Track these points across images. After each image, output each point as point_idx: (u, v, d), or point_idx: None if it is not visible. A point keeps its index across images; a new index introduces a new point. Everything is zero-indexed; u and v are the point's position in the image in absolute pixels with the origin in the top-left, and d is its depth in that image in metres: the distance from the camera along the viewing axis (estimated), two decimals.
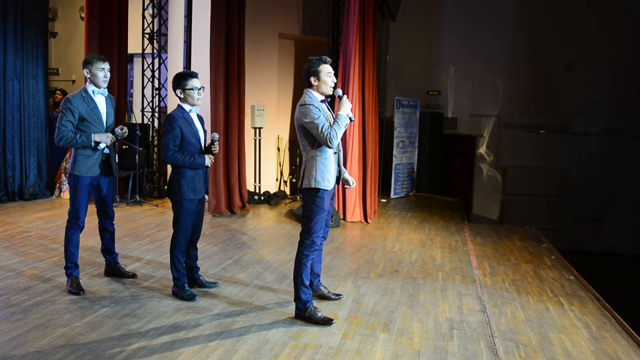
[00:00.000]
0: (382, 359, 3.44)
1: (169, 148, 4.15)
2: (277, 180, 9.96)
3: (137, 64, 10.06)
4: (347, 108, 3.96)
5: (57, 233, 6.35)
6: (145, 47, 9.45)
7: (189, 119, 4.25)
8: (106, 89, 4.48)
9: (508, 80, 12.02)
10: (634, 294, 8.66)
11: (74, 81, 10.54)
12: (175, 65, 9.11)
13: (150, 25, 9.45)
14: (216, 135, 4.36)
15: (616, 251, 11.39)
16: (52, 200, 8.62)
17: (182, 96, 4.25)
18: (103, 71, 4.37)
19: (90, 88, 4.38)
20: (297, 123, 3.99)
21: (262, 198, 9.02)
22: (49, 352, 3.30)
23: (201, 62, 8.19)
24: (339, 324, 3.96)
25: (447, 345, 3.67)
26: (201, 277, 4.65)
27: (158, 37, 9.50)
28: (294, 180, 9.83)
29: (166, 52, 9.47)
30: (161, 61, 9.58)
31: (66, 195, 8.71)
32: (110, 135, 4.39)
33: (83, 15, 9.25)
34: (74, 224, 4.38)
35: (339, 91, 4.11)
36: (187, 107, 4.27)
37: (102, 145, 4.36)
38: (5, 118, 8.25)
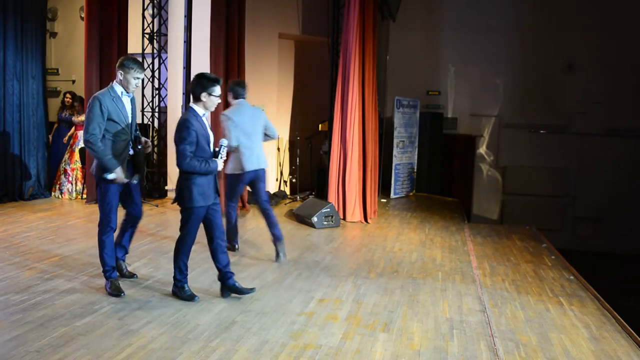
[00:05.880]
0: (382, 359, 3.44)
1: (186, 155, 4.02)
2: (277, 180, 9.96)
3: None
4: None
5: (57, 233, 6.36)
6: (145, 47, 9.44)
7: (202, 123, 4.15)
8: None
9: (508, 80, 12.00)
10: (634, 294, 8.66)
11: (74, 81, 10.52)
12: (175, 65, 9.11)
13: (150, 25, 9.45)
14: (225, 142, 4.26)
15: (616, 251, 11.38)
16: (52, 200, 8.62)
17: (205, 100, 4.12)
18: (137, 80, 4.34)
19: (119, 89, 4.31)
20: None
21: None
22: (49, 352, 3.30)
23: (201, 62, 8.18)
24: (339, 324, 3.95)
25: (447, 345, 3.67)
26: (236, 283, 4.41)
27: (158, 37, 9.49)
28: (294, 180, 9.83)
29: (166, 52, 9.47)
30: (161, 61, 9.57)
31: (67, 196, 8.73)
32: (122, 176, 4.28)
33: (83, 15, 9.24)
34: (107, 227, 4.34)
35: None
36: (200, 110, 4.15)
37: (110, 177, 4.25)
38: (5, 118, 8.25)
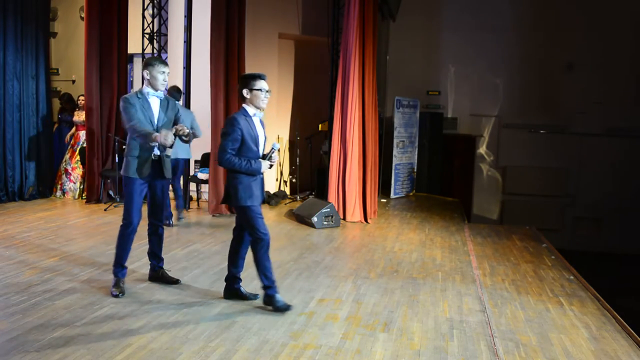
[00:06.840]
0: (382, 359, 3.44)
1: (226, 151, 3.97)
2: (277, 180, 9.96)
3: (137, 64, 10.06)
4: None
5: (57, 233, 6.36)
6: (145, 47, 9.44)
7: (251, 123, 4.08)
8: (162, 92, 4.41)
9: (508, 80, 12.00)
10: (633, 294, 8.66)
11: (73, 81, 10.53)
12: (175, 65, 9.11)
13: (150, 25, 9.45)
14: (277, 145, 4.17)
15: (616, 251, 11.38)
16: (52, 200, 8.62)
17: (248, 97, 4.07)
18: (163, 74, 4.34)
19: (147, 90, 4.34)
20: None
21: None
22: (49, 352, 3.30)
23: (201, 62, 8.18)
24: (339, 324, 3.95)
25: (447, 345, 3.67)
26: (242, 289, 4.39)
27: (158, 37, 9.49)
28: (294, 180, 9.83)
29: (166, 52, 9.47)
30: None
31: (70, 196, 8.74)
32: (170, 134, 4.21)
33: (83, 15, 9.24)
34: (128, 225, 4.35)
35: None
36: (251, 110, 4.10)
37: (155, 152, 4.32)
38: (5, 118, 8.26)
